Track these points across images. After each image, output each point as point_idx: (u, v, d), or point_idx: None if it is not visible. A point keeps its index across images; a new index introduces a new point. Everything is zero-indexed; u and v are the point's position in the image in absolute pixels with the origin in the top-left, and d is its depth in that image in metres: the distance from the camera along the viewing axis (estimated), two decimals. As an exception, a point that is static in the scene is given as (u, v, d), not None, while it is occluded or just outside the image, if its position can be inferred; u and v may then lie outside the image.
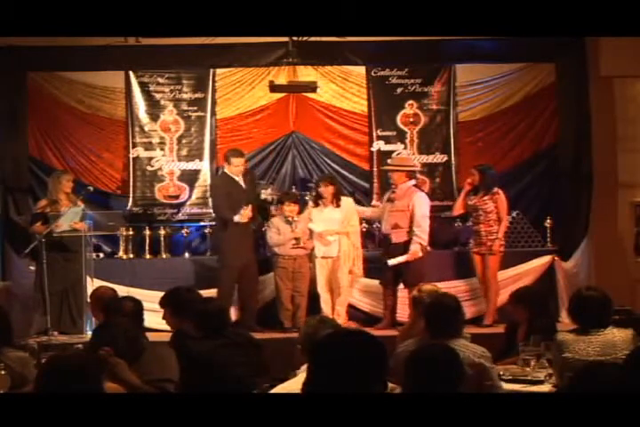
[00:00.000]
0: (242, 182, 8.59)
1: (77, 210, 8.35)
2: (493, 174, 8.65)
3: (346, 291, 8.49)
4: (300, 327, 7.78)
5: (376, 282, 8.60)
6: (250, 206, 8.38)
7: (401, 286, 8.44)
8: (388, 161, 8.93)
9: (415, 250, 8.25)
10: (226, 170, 8.67)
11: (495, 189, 8.52)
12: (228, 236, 8.47)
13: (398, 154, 9.50)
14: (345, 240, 8.50)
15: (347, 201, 8.63)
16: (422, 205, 8.38)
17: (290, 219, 8.42)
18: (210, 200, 9.28)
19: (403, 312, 8.43)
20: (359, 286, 8.80)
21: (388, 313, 8.45)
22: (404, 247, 8.29)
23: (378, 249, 8.97)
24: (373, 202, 9.35)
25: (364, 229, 9.15)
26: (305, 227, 8.48)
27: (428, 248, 9.11)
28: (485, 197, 8.50)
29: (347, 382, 2.66)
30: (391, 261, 8.24)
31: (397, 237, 8.33)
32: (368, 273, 8.70)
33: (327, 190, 8.49)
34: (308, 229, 8.49)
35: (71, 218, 8.31)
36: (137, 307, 5.43)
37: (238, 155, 8.58)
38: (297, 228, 8.42)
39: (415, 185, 8.60)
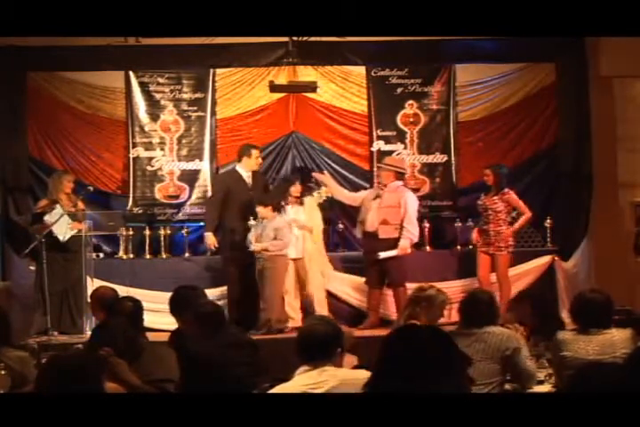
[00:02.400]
0: (249, 180, 8.62)
1: (59, 211, 8.25)
2: (505, 174, 8.66)
3: (317, 292, 8.43)
4: (268, 329, 7.88)
5: (363, 279, 8.63)
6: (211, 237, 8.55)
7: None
8: (384, 160, 8.92)
9: (405, 245, 8.31)
10: (237, 167, 8.72)
11: (505, 190, 8.54)
12: (223, 235, 8.56)
13: (399, 154, 9.52)
14: (309, 239, 8.46)
15: (310, 199, 8.58)
16: (413, 202, 8.49)
17: (255, 221, 8.35)
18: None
19: (390, 311, 8.54)
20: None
21: (373, 313, 8.47)
22: (392, 243, 8.32)
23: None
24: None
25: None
26: (270, 230, 8.23)
27: (427, 249, 9.16)
28: (495, 197, 8.51)
29: (420, 379, 2.64)
30: (382, 254, 8.28)
31: (385, 232, 8.34)
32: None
33: (296, 189, 8.47)
34: (275, 230, 8.27)
35: (64, 223, 8.26)
36: (136, 307, 5.43)
37: (255, 147, 8.73)
38: (256, 230, 8.27)
39: (403, 185, 8.67)
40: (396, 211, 8.37)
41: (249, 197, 8.52)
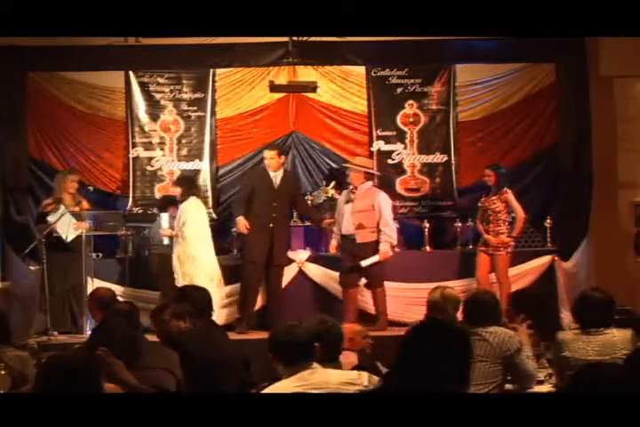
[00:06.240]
0: (276, 179, 8.51)
1: (63, 211, 8.28)
2: (504, 173, 8.65)
3: None
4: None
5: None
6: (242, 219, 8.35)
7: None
8: (353, 160, 8.82)
9: (386, 249, 8.26)
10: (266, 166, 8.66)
11: (504, 189, 8.53)
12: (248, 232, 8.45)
13: (399, 154, 9.52)
14: (178, 245, 8.23)
15: (188, 203, 8.30)
16: (388, 204, 8.43)
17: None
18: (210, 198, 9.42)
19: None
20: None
21: (352, 310, 8.33)
22: (370, 247, 8.27)
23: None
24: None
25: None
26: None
27: (427, 249, 9.15)
28: (494, 197, 8.51)
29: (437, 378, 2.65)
30: (364, 263, 8.21)
31: (362, 237, 8.28)
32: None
33: (174, 190, 8.31)
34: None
35: (67, 223, 8.27)
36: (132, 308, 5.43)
37: (271, 148, 8.70)
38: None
39: (374, 185, 8.60)
40: (370, 214, 8.30)
41: (272, 195, 8.44)
